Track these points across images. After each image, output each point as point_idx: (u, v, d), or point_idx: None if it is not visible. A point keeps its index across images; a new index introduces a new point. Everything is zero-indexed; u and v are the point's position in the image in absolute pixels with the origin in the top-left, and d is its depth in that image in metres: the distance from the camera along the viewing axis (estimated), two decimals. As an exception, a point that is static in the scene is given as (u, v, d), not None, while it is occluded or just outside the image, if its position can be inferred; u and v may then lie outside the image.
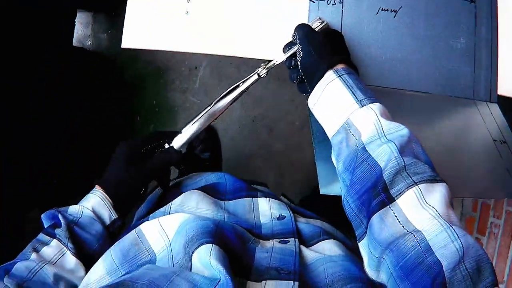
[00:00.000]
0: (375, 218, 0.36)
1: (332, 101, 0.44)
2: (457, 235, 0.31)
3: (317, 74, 0.45)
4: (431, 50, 0.59)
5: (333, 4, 0.56)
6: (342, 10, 0.56)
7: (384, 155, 0.38)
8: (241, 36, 0.59)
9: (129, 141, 0.52)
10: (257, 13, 0.58)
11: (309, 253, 0.41)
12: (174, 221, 0.39)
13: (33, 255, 0.40)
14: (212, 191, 0.52)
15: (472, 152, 0.57)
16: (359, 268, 0.38)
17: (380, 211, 0.36)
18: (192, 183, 0.58)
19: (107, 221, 0.48)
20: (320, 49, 0.46)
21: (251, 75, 0.52)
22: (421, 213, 0.34)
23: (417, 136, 0.41)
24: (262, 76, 0.53)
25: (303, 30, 0.48)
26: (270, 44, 0.58)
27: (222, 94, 0.53)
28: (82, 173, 1.13)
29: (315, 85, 0.46)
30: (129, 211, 0.53)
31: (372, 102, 0.42)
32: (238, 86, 0.53)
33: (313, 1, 0.56)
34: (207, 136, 1.30)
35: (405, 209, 0.35)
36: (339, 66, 0.45)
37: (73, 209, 0.47)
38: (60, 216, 0.44)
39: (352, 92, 0.43)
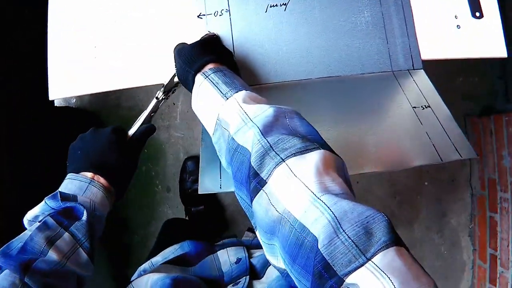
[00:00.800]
0: (254, 205, 0.35)
1: (205, 103, 0.45)
2: (326, 205, 0.29)
3: (190, 82, 0.47)
4: (332, 33, 0.58)
5: (220, 15, 0.57)
6: (230, 18, 0.57)
7: (250, 141, 0.37)
8: (143, 66, 0.61)
9: (117, 129, 0.53)
10: (154, 43, 0.60)
11: (260, 287, 0.42)
12: (143, 282, 0.43)
13: (54, 254, 0.39)
14: (180, 262, 0.54)
15: (392, 123, 0.53)
16: (290, 281, 0.36)
17: (255, 197, 0.35)
18: (162, 259, 0.60)
19: (106, 214, 0.49)
20: (189, 59, 0.48)
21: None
22: (290, 189, 0.32)
23: (290, 111, 0.39)
24: (161, 98, 0.56)
25: (176, 48, 0.50)
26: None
27: (136, 121, 0.57)
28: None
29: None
30: None
31: (237, 92, 0.42)
32: (144, 111, 0.57)
33: (200, 17, 0.58)
34: (197, 167, 1.33)
35: (275, 189, 0.33)
36: (207, 68, 0.46)
37: (84, 202, 0.45)
38: (85, 212, 0.43)
39: (217, 88, 0.44)
